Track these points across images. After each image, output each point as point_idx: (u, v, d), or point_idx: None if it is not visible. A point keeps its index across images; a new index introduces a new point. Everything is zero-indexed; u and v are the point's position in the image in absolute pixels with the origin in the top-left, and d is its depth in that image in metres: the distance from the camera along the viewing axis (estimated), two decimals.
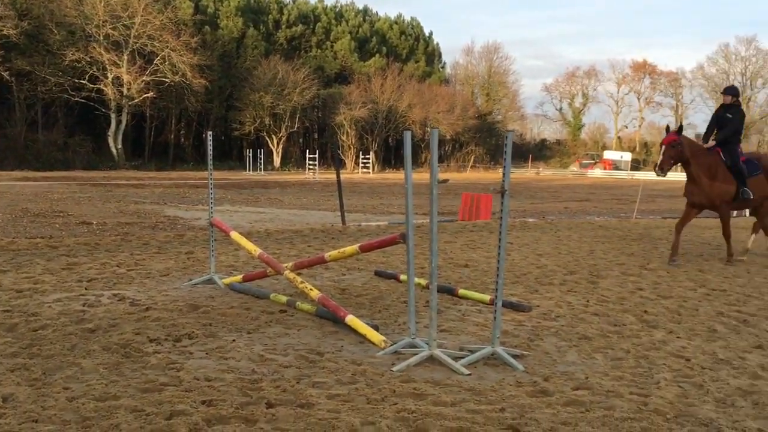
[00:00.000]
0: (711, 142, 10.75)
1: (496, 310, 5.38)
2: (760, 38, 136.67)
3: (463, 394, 4.55)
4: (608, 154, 78.85)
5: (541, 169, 74.58)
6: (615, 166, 73.96)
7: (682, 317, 7.01)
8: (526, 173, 68.41)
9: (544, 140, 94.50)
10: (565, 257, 11.08)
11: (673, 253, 10.67)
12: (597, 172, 70.25)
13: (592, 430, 3.96)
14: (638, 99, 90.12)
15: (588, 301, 7.67)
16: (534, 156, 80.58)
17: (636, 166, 76.21)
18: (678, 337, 6.21)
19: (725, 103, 11.03)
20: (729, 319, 6.97)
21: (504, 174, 5.35)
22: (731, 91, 11.25)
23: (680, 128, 10.69)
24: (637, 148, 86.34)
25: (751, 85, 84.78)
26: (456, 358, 5.22)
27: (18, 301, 6.99)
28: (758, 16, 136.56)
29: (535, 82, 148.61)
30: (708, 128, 11.11)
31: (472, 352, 5.41)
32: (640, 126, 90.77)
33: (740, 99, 11.41)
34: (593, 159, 77.73)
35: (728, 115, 10.84)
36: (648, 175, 56.57)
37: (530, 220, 18.45)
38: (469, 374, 4.97)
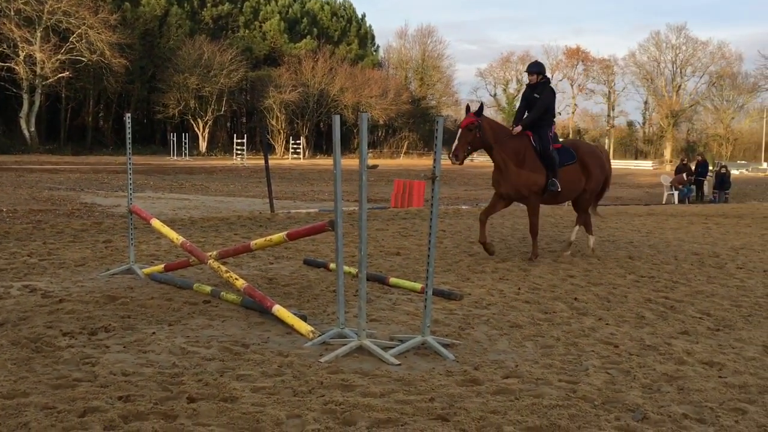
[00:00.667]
0: (518, 128, 9.69)
1: (426, 299, 5.41)
2: (690, 26, 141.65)
3: (392, 384, 4.57)
4: None
5: (475, 156, 75.47)
6: None
7: (612, 304, 7.21)
8: None
9: None
10: (497, 244, 11.23)
11: (485, 246, 9.70)
12: None
13: (521, 418, 4.03)
14: (572, 86, 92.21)
15: (519, 288, 7.81)
16: None
17: None
18: (607, 324, 6.38)
19: (531, 82, 10.03)
20: (657, 306, 7.20)
21: (435, 160, 5.37)
22: (535, 68, 10.10)
23: (480, 108, 9.64)
24: (571, 135, 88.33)
25: (681, 72, 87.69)
26: (386, 348, 5.24)
27: None
28: (688, 3, 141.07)
29: (470, 67, 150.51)
30: (518, 112, 10.23)
31: (402, 341, 5.44)
32: (573, 113, 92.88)
33: (548, 76, 10.29)
34: None
35: (536, 95, 9.86)
36: None
37: (464, 207, 18.68)
38: (399, 364, 4.99)
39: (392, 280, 7.86)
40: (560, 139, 10.29)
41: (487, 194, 24.54)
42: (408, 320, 6.30)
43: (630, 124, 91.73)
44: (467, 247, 10.90)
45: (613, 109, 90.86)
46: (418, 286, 7.45)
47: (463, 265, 9.27)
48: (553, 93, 10.00)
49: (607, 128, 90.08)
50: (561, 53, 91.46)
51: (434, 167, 5.38)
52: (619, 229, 14.20)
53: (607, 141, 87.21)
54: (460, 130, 9.34)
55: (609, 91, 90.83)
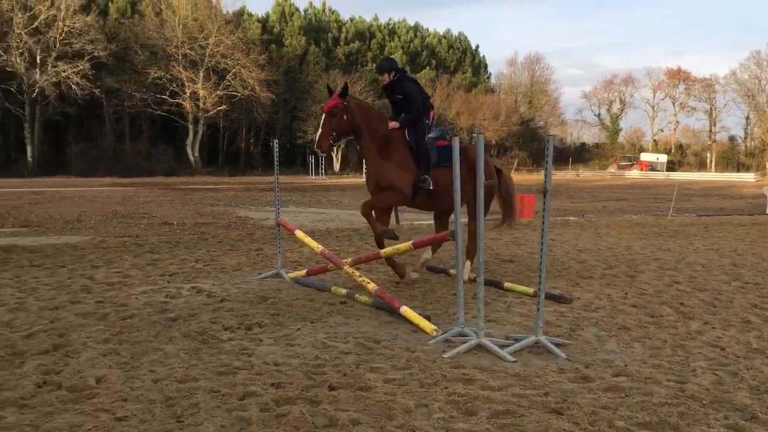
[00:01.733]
0: (394, 123, 7.72)
1: (539, 302, 5.30)
2: None
3: (509, 379, 4.50)
4: (645, 156, 76.85)
5: (580, 171, 73.19)
6: (651, 167, 72.06)
7: (717, 309, 6.80)
8: (567, 175, 67.24)
9: (583, 144, 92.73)
10: (604, 253, 10.86)
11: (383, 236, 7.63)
12: (634, 173, 68.54)
13: (632, 414, 3.87)
14: (673, 104, 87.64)
15: (626, 293, 7.51)
16: (574, 159, 79.16)
17: (672, 167, 74.14)
18: (713, 328, 6.02)
19: (385, 83, 7.82)
20: (763, 311, 6.73)
21: (546, 176, 5.27)
22: (384, 66, 7.88)
23: (345, 89, 7.47)
24: (673, 150, 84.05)
25: None
26: (502, 346, 5.17)
27: (109, 293, 7.19)
28: None
29: (575, 89, 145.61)
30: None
31: (517, 340, 5.35)
32: (675, 129, 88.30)
33: (404, 68, 8.17)
34: (630, 161, 75.85)
35: (398, 96, 7.79)
36: (684, 176, 55.07)
37: (571, 218, 18.15)
38: (515, 361, 4.91)
39: (507, 284, 7.75)
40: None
41: (591, 206, 23.78)
42: (522, 321, 6.19)
43: (732, 138, 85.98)
44: (575, 255, 10.59)
45: (715, 125, 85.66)
46: (530, 290, 7.31)
47: (572, 271, 9.01)
48: (415, 83, 7.97)
49: (709, 143, 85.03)
50: (663, 74, 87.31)
51: (545, 182, 5.28)
52: (723, 238, 13.39)
53: (709, 155, 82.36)
54: (323, 116, 7.44)
55: (710, 108, 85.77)
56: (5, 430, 3.55)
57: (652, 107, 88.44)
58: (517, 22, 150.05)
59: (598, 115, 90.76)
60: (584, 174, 69.50)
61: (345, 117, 7.33)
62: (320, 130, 7.38)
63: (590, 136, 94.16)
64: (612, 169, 75.12)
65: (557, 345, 5.26)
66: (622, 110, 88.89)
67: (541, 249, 5.35)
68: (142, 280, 7.93)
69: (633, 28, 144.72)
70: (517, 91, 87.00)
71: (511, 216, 8.91)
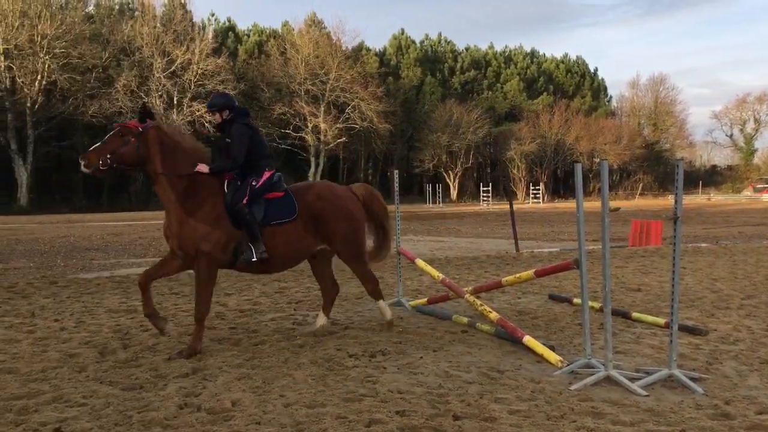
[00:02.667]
0: (202, 166, 6.33)
1: (672, 333, 5.05)
2: None
3: (641, 414, 4.30)
4: None
5: (712, 195, 69.07)
6: None
7: None
8: (697, 199, 63.65)
9: (714, 166, 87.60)
10: (741, 281, 10.17)
11: (151, 320, 6.33)
12: None
13: None
14: None
15: None
16: (704, 182, 74.88)
17: None
18: None
19: (217, 122, 6.68)
20: None
21: (676, 201, 5.05)
22: (216, 104, 6.61)
23: (147, 112, 6.19)
24: None
25: None
26: (632, 379, 4.95)
27: (241, 319, 7.54)
28: None
29: (703, 109, 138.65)
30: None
31: (648, 373, 5.11)
32: None
33: (245, 108, 6.95)
34: (767, 183, 70.80)
35: (227, 140, 6.55)
36: None
37: (703, 245, 17.14)
38: (647, 395, 4.69)
39: (635, 314, 7.43)
40: (285, 186, 6.65)
41: (726, 232, 22.36)
42: (653, 353, 5.90)
43: None
44: (709, 284, 9.98)
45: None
46: (660, 320, 6.97)
47: (707, 301, 8.50)
48: (249, 128, 6.57)
49: None
50: None
51: (675, 208, 5.06)
52: None
53: None
54: (110, 133, 6.17)
55: None
56: None
57: None
58: (638, 42, 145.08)
59: (731, 136, 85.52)
60: (716, 198, 65.48)
61: (133, 141, 6.02)
62: (98, 146, 6.06)
63: (722, 158, 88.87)
64: (747, 192, 70.23)
65: (693, 379, 4.97)
66: (756, 130, 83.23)
67: (673, 277, 5.11)
68: (271, 308, 8.26)
69: (762, 43, 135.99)
70: (640, 114, 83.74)
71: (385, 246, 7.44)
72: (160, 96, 49.65)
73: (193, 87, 50.46)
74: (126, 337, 6.64)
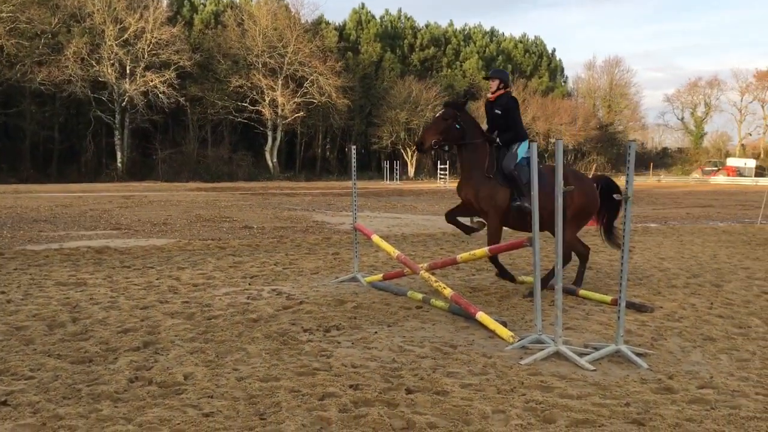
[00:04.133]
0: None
1: (619, 310, 5.19)
2: None
3: (588, 388, 4.43)
4: (732, 161, 73.58)
5: (662, 177, 70.76)
6: (739, 172, 68.91)
7: None
8: (648, 180, 65.15)
9: (665, 149, 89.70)
10: (688, 261, 10.49)
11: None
12: (720, 179, 65.74)
13: (718, 428, 3.74)
14: (762, 107, 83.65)
15: (712, 303, 7.23)
16: (655, 164, 76.61)
17: (761, 172, 70.64)
18: None
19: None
20: None
21: (627, 182, 5.16)
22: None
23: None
24: (762, 155, 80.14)
25: None
26: (581, 355, 5.08)
27: (194, 293, 7.47)
28: None
29: (656, 93, 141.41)
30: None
31: (596, 349, 5.25)
32: (765, 133, 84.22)
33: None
34: (716, 166, 72.80)
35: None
36: None
37: (652, 225, 17.59)
38: (594, 370, 4.82)
39: (582, 291, 7.61)
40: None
41: (675, 213, 22.96)
42: (601, 330, 6.06)
43: None
44: (657, 263, 10.27)
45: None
46: (608, 298, 7.16)
47: (654, 280, 8.75)
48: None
49: None
50: (751, 76, 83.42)
51: (626, 188, 5.17)
52: None
53: None
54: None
55: None
56: (101, 422, 3.75)
57: (740, 110, 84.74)
58: (596, 24, 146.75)
59: (682, 119, 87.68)
60: (666, 179, 67.17)
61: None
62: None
63: (673, 140, 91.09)
64: (696, 174, 72.25)
65: (639, 355, 5.13)
66: (707, 114, 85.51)
67: (622, 256, 5.23)
68: (225, 282, 8.20)
69: (718, 30, 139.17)
70: (596, 95, 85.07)
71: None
72: (112, 65, 48.33)
73: (146, 56, 49.25)
74: (75, 310, 6.51)
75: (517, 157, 7.59)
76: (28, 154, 48.81)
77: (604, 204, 8.09)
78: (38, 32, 46.06)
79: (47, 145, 50.51)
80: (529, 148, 6.73)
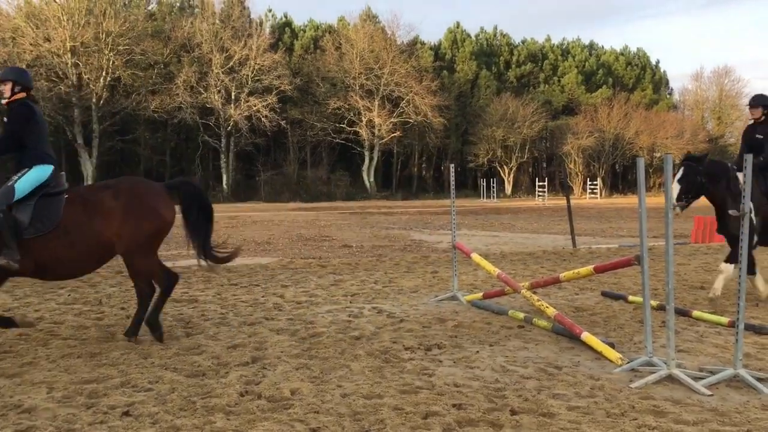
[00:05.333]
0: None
1: (737, 332, 4.91)
2: None
3: (705, 414, 4.21)
4: None
5: None
6: None
7: None
8: None
9: None
10: None
11: None
12: None
13: None
14: None
15: None
16: None
17: None
18: None
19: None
20: None
21: (743, 195, 4.91)
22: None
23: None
24: None
25: None
26: (695, 379, 4.84)
27: (298, 311, 7.66)
28: None
29: None
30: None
31: (712, 373, 4.98)
32: None
33: None
34: None
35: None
36: None
37: None
38: (711, 395, 4.58)
39: (695, 313, 7.24)
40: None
41: None
42: (716, 353, 5.75)
43: None
44: None
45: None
46: (724, 319, 6.78)
47: None
48: None
49: None
50: None
51: (742, 203, 4.92)
52: None
53: None
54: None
55: None
56: None
57: None
58: (702, 33, 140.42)
59: None
60: None
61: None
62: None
63: None
64: None
65: (759, 380, 4.83)
66: None
67: (740, 275, 4.96)
68: (327, 300, 8.36)
69: None
70: (704, 107, 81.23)
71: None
72: (219, 91, 50.65)
73: (250, 82, 51.32)
74: (188, 325, 6.83)
75: None
76: (143, 176, 51.78)
77: (188, 215, 6.46)
78: (152, 63, 49.07)
79: (159, 169, 53.42)
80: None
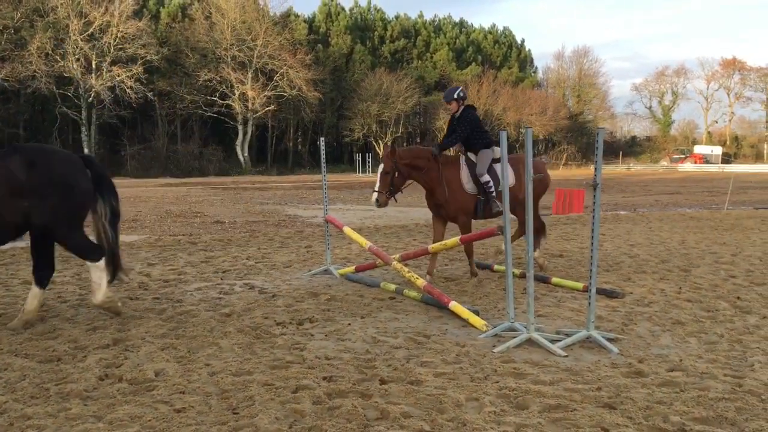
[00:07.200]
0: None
1: (590, 296, 5.24)
2: None
3: (560, 374, 4.47)
4: (699, 149, 74.64)
5: (631, 165, 71.61)
6: (706, 160, 69.95)
7: None
8: (617, 169, 65.92)
9: (634, 137, 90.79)
10: (657, 247, 10.65)
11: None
12: (687, 167, 66.68)
13: (687, 409, 3.80)
14: (728, 95, 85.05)
15: (681, 288, 7.35)
16: (624, 152, 77.51)
17: (727, 159, 71.87)
18: None
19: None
20: None
21: (596, 168, 5.21)
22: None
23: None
24: (728, 142, 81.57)
25: None
26: (553, 341, 5.13)
27: (165, 289, 7.38)
28: None
29: (624, 82, 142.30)
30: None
31: (568, 335, 5.30)
32: (730, 121, 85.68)
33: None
34: (684, 154, 73.80)
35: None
36: (740, 168, 53.35)
37: (622, 212, 17.81)
38: (566, 356, 4.87)
39: (555, 279, 7.67)
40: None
41: (644, 200, 23.27)
42: (572, 316, 6.12)
43: None
44: (627, 249, 10.40)
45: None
46: (579, 285, 7.23)
47: (624, 266, 8.86)
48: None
49: (766, 134, 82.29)
50: (716, 64, 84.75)
51: (595, 175, 5.22)
52: None
53: (766, 146, 79.72)
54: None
55: (767, 98, 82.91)
56: (70, 420, 3.69)
57: (706, 98, 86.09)
58: (564, 15, 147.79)
59: (650, 108, 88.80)
60: (635, 168, 68.02)
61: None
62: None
63: (641, 129, 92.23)
64: (664, 162, 73.34)
65: (609, 340, 5.19)
66: (674, 102, 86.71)
67: (592, 243, 5.28)
68: (197, 277, 8.11)
69: (683, 19, 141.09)
70: (565, 85, 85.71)
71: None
72: (78, 60, 47.44)
73: (112, 51, 48.42)
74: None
75: None
76: None
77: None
78: (0, 27, 45.04)
79: (12, 142, 49.48)
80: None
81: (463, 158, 8.03)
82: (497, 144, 7.52)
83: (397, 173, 7.69)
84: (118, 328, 5.63)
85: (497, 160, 7.84)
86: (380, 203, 7.67)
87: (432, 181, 7.84)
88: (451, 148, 8.53)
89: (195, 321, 5.90)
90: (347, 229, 8.35)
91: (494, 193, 7.75)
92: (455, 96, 8.16)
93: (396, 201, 8.04)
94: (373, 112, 63.02)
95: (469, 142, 8.06)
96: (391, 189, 7.70)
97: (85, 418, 3.72)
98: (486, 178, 7.82)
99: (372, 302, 6.69)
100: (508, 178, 7.12)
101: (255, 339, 5.33)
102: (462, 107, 8.18)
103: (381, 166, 7.76)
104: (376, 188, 7.65)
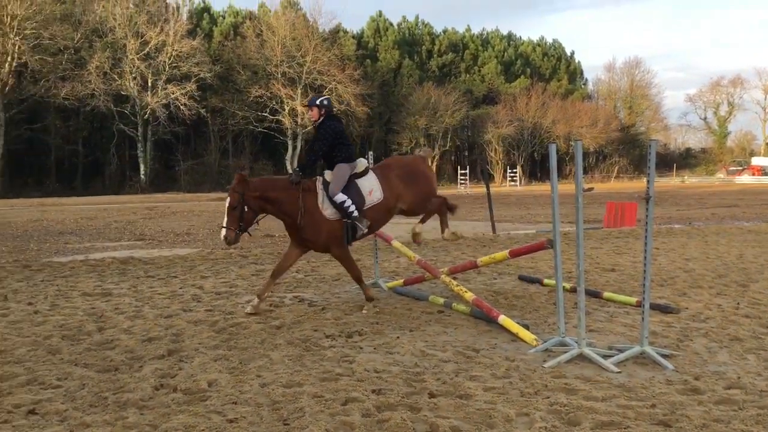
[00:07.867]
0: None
1: (643, 311, 5.13)
2: None
3: (613, 390, 4.38)
4: (756, 161, 72.31)
5: (686, 177, 69.89)
6: (764, 171, 67.75)
7: None
8: (671, 181, 64.40)
9: (688, 149, 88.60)
10: (713, 261, 10.35)
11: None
12: (745, 179, 64.69)
13: (746, 428, 3.68)
14: None
15: (738, 304, 7.13)
16: (678, 165, 75.67)
17: None
18: None
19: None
20: None
21: (648, 181, 5.12)
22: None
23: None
24: None
25: None
26: (605, 357, 5.04)
27: (218, 302, 7.52)
28: None
29: (678, 93, 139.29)
30: None
31: (620, 351, 5.20)
32: None
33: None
34: (741, 166, 71.63)
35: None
36: None
37: (676, 226, 17.39)
38: (619, 372, 4.78)
39: (606, 294, 7.53)
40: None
41: (699, 213, 22.66)
42: (625, 332, 6.00)
43: None
44: (682, 263, 10.14)
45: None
46: (632, 299, 7.08)
47: (679, 280, 8.64)
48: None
49: None
50: None
51: (648, 188, 5.13)
52: None
53: None
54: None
55: None
56: (127, 429, 3.79)
57: (764, 109, 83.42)
58: (615, 26, 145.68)
59: (705, 119, 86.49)
60: (690, 180, 66.35)
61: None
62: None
63: (696, 140, 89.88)
64: (720, 174, 71.26)
65: (664, 356, 5.07)
66: (730, 113, 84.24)
67: (645, 257, 5.19)
68: (248, 290, 8.24)
69: (739, 28, 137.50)
70: (616, 97, 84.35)
71: None
72: (134, 78, 48.92)
73: (167, 69, 49.76)
74: (101, 320, 6.59)
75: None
76: (54, 168, 49.63)
77: None
78: (61, 48, 46.76)
79: (72, 158, 51.23)
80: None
81: (320, 181, 7.10)
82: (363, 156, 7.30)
83: (246, 207, 6.78)
84: (173, 339, 5.76)
85: (360, 175, 7.15)
86: (229, 241, 6.80)
87: (288, 214, 6.92)
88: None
89: (246, 333, 6.00)
90: (396, 243, 8.38)
91: (355, 214, 6.88)
92: (317, 103, 7.28)
93: (250, 235, 7.16)
94: (421, 126, 63.12)
95: (329, 157, 7.17)
96: (240, 225, 6.79)
97: (141, 427, 3.81)
98: (341, 197, 6.87)
99: (420, 315, 6.68)
100: (376, 192, 6.99)
101: (305, 351, 5.38)
102: (323, 116, 7.25)
103: (228, 200, 6.82)
104: (224, 224, 6.81)
